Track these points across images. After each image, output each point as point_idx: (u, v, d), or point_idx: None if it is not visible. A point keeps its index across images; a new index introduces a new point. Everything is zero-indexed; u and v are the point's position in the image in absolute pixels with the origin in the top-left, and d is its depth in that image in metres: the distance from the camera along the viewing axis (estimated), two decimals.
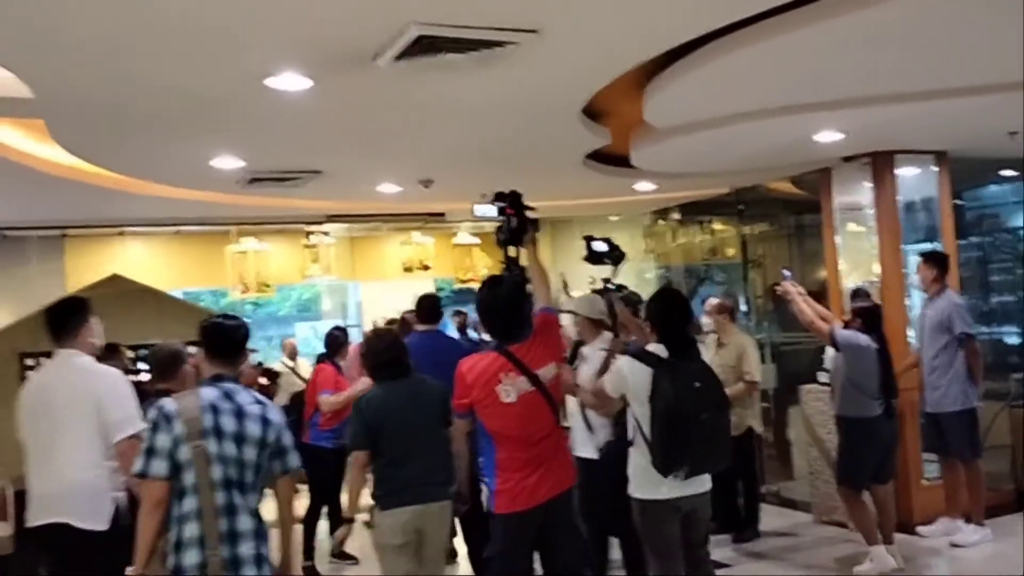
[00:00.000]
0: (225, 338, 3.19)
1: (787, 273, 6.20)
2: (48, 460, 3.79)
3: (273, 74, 4.31)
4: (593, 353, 4.72)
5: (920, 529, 6.47)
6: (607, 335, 4.69)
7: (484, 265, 11.40)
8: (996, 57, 4.54)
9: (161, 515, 2.91)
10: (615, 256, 4.65)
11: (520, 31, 3.82)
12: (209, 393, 3.04)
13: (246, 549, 2.96)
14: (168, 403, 3.01)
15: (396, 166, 7.18)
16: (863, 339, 5.66)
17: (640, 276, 11.22)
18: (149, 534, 2.91)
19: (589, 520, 4.32)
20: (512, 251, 4.05)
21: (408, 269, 11.22)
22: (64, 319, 3.97)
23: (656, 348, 3.94)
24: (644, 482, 3.91)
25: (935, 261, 6.45)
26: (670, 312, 4.03)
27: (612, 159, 7.08)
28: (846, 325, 5.84)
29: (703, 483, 3.98)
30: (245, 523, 2.98)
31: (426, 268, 11.41)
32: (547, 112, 5.41)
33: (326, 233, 10.63)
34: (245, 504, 3.00)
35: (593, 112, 5.63)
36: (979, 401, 6.28)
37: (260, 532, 3.04)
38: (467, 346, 6.70)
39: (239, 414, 3.04)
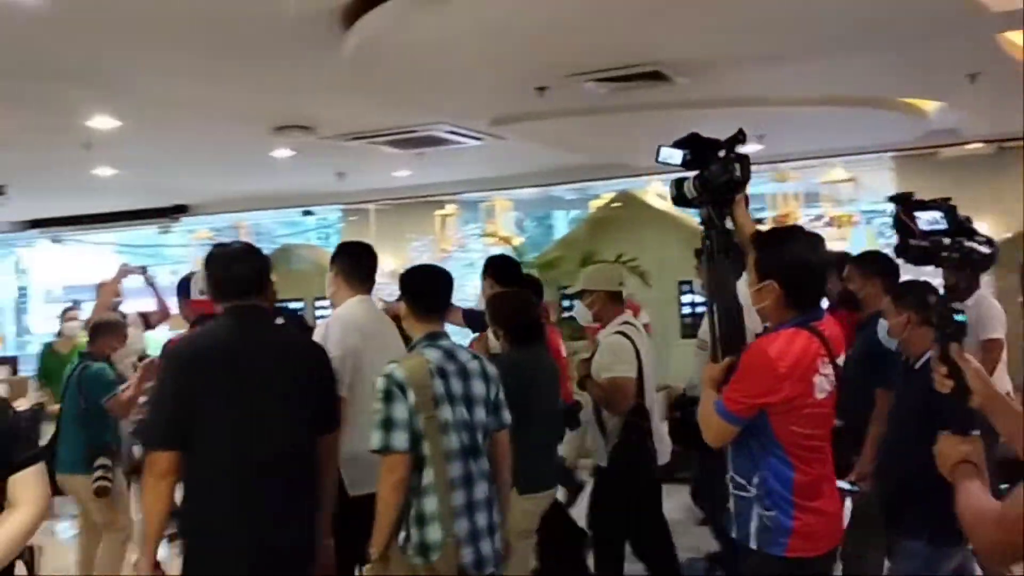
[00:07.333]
0: (435, 290, 2.95)
1: None
2: None
3: None
4: (607, 336, 3.92)
5: None
6: (627, 314, 3.99)
7: None
8: None
9: (404, 491, 2.68)
10: None
11: None
12: (433, 355, 2.79)
13: (482, 520, 2.77)
14: (396, 370, 2.69)
15: None
16: None
17: None
18: (393, 512, 2.68)
19: (599, 533, 3.95)
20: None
21: None
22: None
23: None
24: None
25: None
26: None
27: None
28: None
29: None
30: (481, 491, 2.79)
31: None
32: None
33: None
34: (480, 471, 2.80)
35: None
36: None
37: (492, 500, 2.85)
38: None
39: (464, 374, 2.81)
